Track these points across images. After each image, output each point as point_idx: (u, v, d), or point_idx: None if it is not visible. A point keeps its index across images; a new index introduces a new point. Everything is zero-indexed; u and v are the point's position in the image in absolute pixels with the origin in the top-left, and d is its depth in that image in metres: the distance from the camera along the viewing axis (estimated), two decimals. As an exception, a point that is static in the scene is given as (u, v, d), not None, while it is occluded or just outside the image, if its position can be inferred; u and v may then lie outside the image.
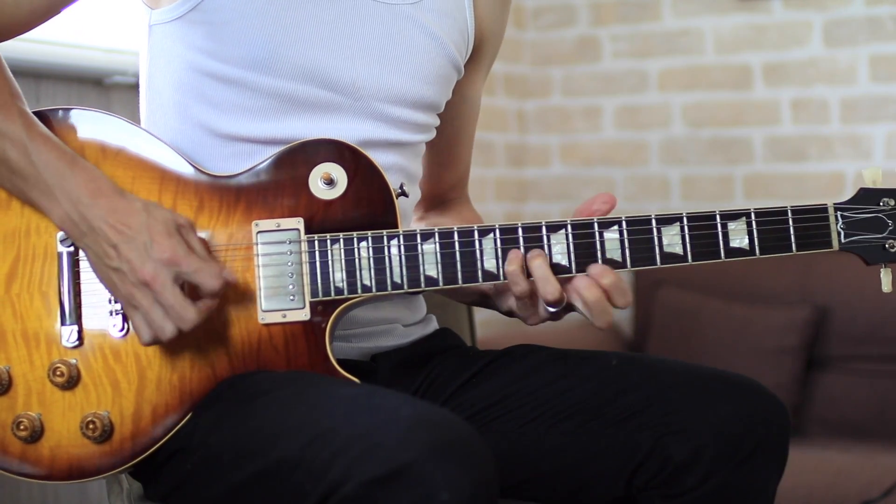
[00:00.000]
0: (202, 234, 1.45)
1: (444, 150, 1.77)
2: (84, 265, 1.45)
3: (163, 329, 1.38)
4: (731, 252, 1.49)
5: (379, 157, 1.51)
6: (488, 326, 4.02)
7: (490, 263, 1.47)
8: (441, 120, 1.70)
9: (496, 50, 1.77)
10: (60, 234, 1.44)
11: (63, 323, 1.45)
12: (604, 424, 1.49)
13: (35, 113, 1.47)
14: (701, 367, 1.53)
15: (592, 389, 1.52)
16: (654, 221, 1.48)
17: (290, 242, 1.45)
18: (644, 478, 1.48)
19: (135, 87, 1.63)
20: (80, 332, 1.45)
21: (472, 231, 1.47)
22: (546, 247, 1.47)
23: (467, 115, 1.78)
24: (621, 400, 1.50)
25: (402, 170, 1.60)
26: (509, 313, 1.57)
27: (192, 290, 1.39)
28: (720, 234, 1.48)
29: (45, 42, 2.65)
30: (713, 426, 1.45)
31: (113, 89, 2.76)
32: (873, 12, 3.83)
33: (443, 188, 1.82)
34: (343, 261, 1.45)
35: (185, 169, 1.48)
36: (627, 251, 1.47)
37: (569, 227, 1.47)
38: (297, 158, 1.48)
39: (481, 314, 3.97)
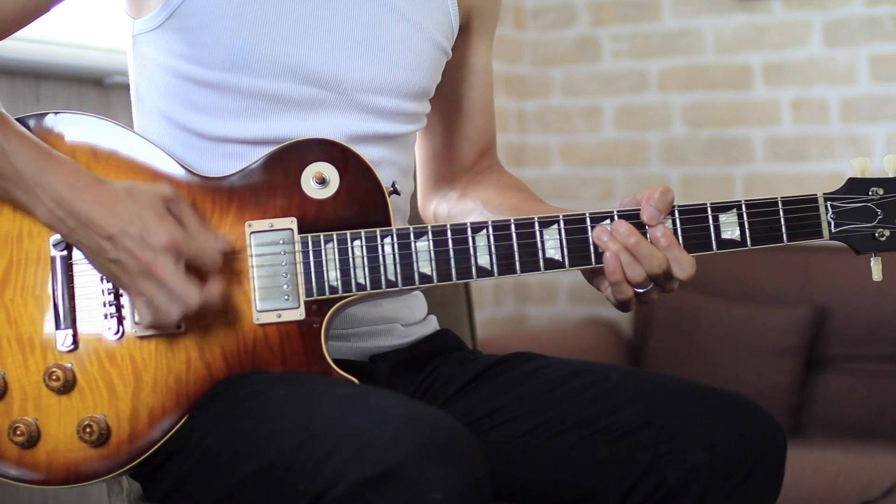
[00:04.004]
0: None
1: (463, 122, 1.77)
2: (77, 269, 1.44)
3: (168, 313, 1.38)
4: (723, 244, 1.49)
5: (369, 152, 1.51)
6: (489, 327, 4.02)
7: (483, 259, 1.47)
8: (453, 93, 1.71)
9: (494, 16, 1.76)
10: (53, 237, 1.44)
11: (58, 327, 1.44)
12: (601, 440, 1.49)
13: (26, 117, 1.47)
14: (698, 385, 1.52)
15: (591, 403, 1.51)
16: None
17: (283, 242, 1.45)
18: (639, 497, 1.47)
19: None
20: (74, 335, 1.44)
21: (465, 228, 1.47)
22: (538, 242, 1.47)
23: (478, 84, 1.77)
24: (618, 416, 1.49)
25: (393, 163, 1.60)
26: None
27: (190, 268, 1.39)
28: (711, 226, 1.49)
29: (45, 42, 2.66)
30: (708, 447, 1.44)
31: (113, 89, 2.76)
32: (873, 12, 3.83)
33: (471, 160, 1.80)
34: (337, 259, 1.45)
35: (177, 171, 1.48)
36: None
37: (561, 223, 1.48)
38: (289, 158, 1.47)
39: (482, 314, 3.97)
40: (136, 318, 1.43)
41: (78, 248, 1.42)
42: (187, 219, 1.40)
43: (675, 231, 1.48)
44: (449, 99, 1.74)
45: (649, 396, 1.50)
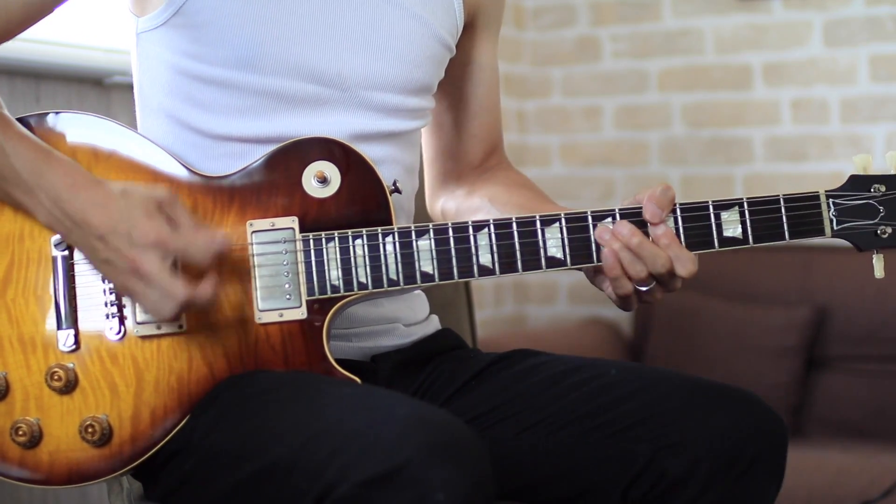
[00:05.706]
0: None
1: (469, 119, 1.77)
2: (79, 269, 1.44)
3: (161, 309, 1.37)
4: (725, 241, 1.49)
5: (373, 150, 1.52)
6: (489, 327, 4.02)
7: (485, 258, 1.47)
8: (459, 91, 1.72)
9: (499, 14, 1.77)
10: (54, 238, 1.44)
11: (59, 327, 1.44)
12: (601, 434, 1.49)
13: (27, 117, 1.47)
14: (699, 379, 1.52)
15: (591, 398, 1.51)
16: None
17: (285, 242, 1.45)
18: (640, 491, 1.47)
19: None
20: (76, 335, 1.44)
21: (467, 226, 1.47)
22: (540, 240, 1.47)
23: (484, 81, 1.77)
24: (619, 410, 1.49)
25: (397, 161, 1.60)
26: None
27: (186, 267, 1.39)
28: (713, 224, 1.49)
29: (45, 42, 2.66)
30: (710, 440, 1.45)
31: (113, 89, 2.76)
32: (873, 12, 3.83)
33: (478, 157, 1.80)
34: (338, 259, 1.45)
35: (178, 170, 1.48)
36: None
37: (563, 221, 1.48)
38: (290, 157, 1.48)
39: (482, 314, 3.97)
40: (138, 318, 1.43)
41: (78, 249, 1.43)
42: (180, 218, 1.39)
43: (677, 229, 1.48)
44: (455, 97, 1.74)
45: (649, 390, 1.50)
